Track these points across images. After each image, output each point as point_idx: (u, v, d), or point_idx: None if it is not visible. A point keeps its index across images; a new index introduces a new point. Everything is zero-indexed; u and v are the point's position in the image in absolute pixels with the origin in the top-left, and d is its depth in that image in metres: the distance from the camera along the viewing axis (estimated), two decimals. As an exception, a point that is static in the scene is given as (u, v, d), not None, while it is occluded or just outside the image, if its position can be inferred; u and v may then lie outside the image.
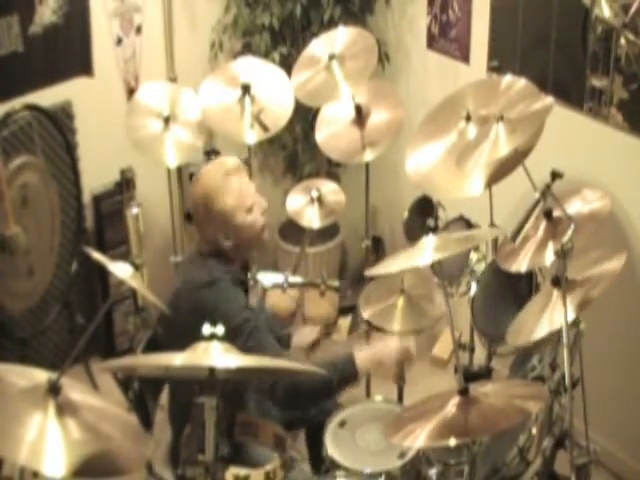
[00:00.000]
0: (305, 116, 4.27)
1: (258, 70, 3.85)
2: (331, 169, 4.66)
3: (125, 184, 4.38)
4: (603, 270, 2.76)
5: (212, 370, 2.24)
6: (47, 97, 4.07)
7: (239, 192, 3.01)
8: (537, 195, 2.86)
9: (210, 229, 3.02)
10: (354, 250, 4.95)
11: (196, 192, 3.04)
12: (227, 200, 2.98)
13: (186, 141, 3.86)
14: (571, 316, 2.62)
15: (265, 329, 3.01)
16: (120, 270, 2.32)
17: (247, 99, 3.71)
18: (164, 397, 3.24)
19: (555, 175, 3.01)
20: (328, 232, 4.71)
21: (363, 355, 2.98)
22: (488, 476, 2.87)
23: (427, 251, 2.51)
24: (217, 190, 2.98)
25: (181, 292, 3.01)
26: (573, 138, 3.77)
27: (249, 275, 3.56)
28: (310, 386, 2.87)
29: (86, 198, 4.38)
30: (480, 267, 3.54)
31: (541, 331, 2.69)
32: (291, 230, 4.59)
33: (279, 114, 3.76)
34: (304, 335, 3.58)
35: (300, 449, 3.46)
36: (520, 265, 2.90)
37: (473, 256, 3.56)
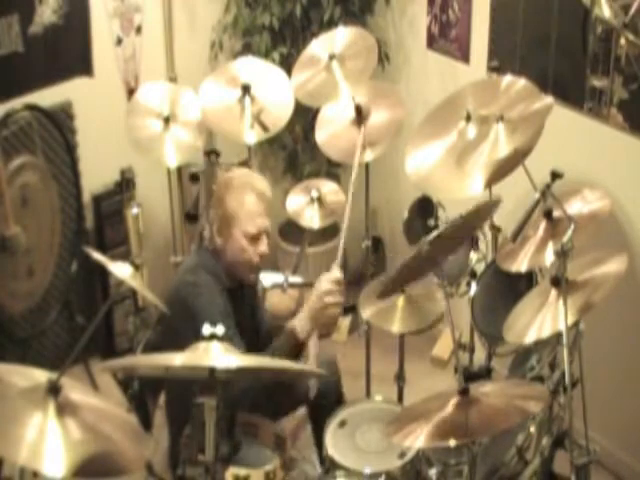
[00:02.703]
0: (305, 116, 4.27)
1: (258, 70, 3.85)
2: (331, 169, 4.66)
3: (125, 184, 4.38)
4: (604, 273, 2.76)
5: (212, 370, 2.24)
6: (47, 97, 4.07)
7: (249, 212, 3.04)
8: (537, 195, 2.86)
9: (212, 214, 3.06)
10: (354, 250, 4.94)
11: (220, 181, 3.13)
12: (238, 211, 3.02)
13: (186, 141, 3.86)
14: (572, 319, 2.62)
15: (237, 339, 3.00)
16: (120, 270, 2.32)
17: (247, 99, 3.71)
18: (164, 397, 3.24)
19: (555, 175, 3.01)
20: (328, 232, 4.71)
21: (299, 319, 2.98)
22: (487, 476, 2.87)
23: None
24: (234, 198, 3.03)
25: (171, 289, 3.04)
26: (573, 138, 3.77)
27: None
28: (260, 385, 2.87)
29: (86, 198, 4.38)
30: (480, 267, 3.54)
31: (541, 332, 2.68)
32: (291, 230, 4.59)
33: (279, 114, 3.76)
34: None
35: (300, 449, 3.47)
36: (520, 265, 2.90)
37: (473, 256, 3.56)
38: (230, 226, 3.04)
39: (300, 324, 2.96)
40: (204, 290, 2.99)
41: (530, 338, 2.72)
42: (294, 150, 4.71)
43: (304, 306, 3.05)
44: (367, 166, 3.78)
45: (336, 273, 3.02)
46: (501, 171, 3.07)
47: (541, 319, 2.71)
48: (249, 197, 3.04)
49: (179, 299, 2.96)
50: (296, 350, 2.95)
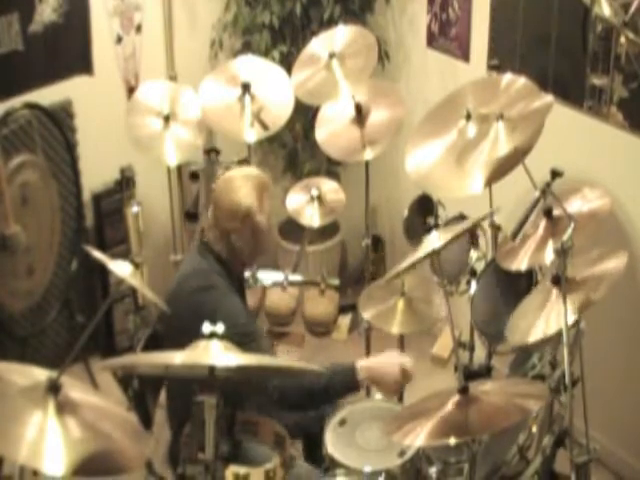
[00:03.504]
0: (305, 115, 4.27)
1: (258, 69, 3.85)
2: (331, 168, 4.66)
3: (125, 182, 4.39)
4: (604, 270, 2.75)
5: (212, 369, 2.24)
6: (47, 96, 4.07)
7: (269, 213, 3.06)
8: (537, 193, 2.86)
9: (236, 235, 3.02)
10: (354, 249, 4.95)
11: (236, 202, 3.01)
12: (264, 219, 3.03)
13: (186, 140, 3.86)
14: (572, 317, 2.62)
15: (260, 336, 3.01)
16: (120, 268, 2.32)
17: (247, 98, 3.71)
18: (164, 395, 3.24)
19: (555, 174, 3.00)
20: (328, 231, 4.71)
21: (365, 366, 2.96)
22: (488, 474, 2.87)
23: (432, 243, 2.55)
24: (257, 206, 3.01)
25: (178, 294, 3.01)
26: (573, 137, 3.77)
27: (248, 274, 3.57)
28: (307, 388, 2.88)
29: (86, 197, 4.38)
30: (480, 265, 3.54)
31: (542, 331, 2.68)
32: (291, 229, 4.59)
33: (279, 113, 3.76)
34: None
35: (300, 448, 3.46)
36: (520, 263, 2.90)
37: (473, 254, 3.56)
38: (263, 235, 3.05)
39: (363, 373, 2.93)
40: (223, 292, 2.99)
41: (533, 338, 2.72)
42: (294, 148, 4.71)
43: (377, 360, 3.03)
44: (367, 165, 3.78)
45: (409, 365, 3.00)
46: (501, 170, 3.07)
47: (543, 318, 2.70)
48: (266, 203, 3.04)
49: (196, 303, 2.93)
50: (350, 390, 2.95)
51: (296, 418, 3.18)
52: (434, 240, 2.61)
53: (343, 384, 2.92)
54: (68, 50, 4.13)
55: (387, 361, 3.00)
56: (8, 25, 3.89)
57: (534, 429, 2.91)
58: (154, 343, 3.14)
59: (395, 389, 3.02)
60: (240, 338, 2.78)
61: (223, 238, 3.04)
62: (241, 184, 3.03)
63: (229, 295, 3.00)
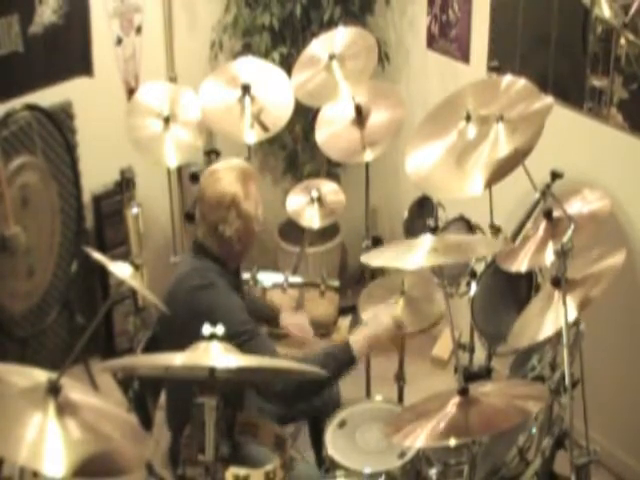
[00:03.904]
0: (305, 116, 4.27)
1: (258, 70, 3.85)
2: (331, 169, 4.66)
3: (125, 184, 4.38)
4: (603, 267, 2.76)
5: (212, 370, 2.24)
6: (47, 97, 4.07)
7: (256, 201, 3.05)
8: (537, 195, 2.86)
9: (223, 225, 3.01)
10: (354, 250, 4.95)
11: (220, 191, 3.01)
12: (251, 205, 3.02)
13: (186, 141, 3.86)
14: (572, 316, 2.62)
15: (261, 332, 3.01)
16: (120, 270, 2.32)
17: (247, 99, 3.71)
18: (164, 397, 3.24)
19: (555, 175, 3.01)
20: (328, 232, 4.71)
21: (358, 338, 2.98)
22: (488, 476, 2.87)
23: (423, 253, 2.52)
24: (243, 193, 3.01)
25: (176, 294, 3.00)
26: (573, 138, 3.77)
27: (248, 276, 3.57)
28: (308, 379, 2.88)
29: (86, 198, 4.38)
30: (480, 267, 3.54)
31: (544, 332, 2.68)
32: (291, 230, 4.59)
33: (279, 114, 3.76)
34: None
35: (300, 449, 3.46)
36: (520, 265, 2.90)
37: (473, 256, 3.56)
38: (250, 226, 3.04)
39: (357, 345, 2.96)
40: (221, 290, 2.99)
41: (534, 340, 2.72)
42: (294, 150, 4.71)
43: (364, 328, 3.05)
44: (367, 166, 3.78)
45: (398, 312, 3.02)
46: (501, 171, 3.07)
47: (544, 320, 2.71)
48: (252, 190, 3.04)
49: (194, 302, 2.93)
50: (348, 365, 2.96)
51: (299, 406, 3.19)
52: (427, 245, 2.59)
53: (343, 365, 2.94)
54: (68, 51, 4.13)
55: (375, 326, 3.04)
56: (8, 26, 3.89)
57: (534, 430, 2.91)
58: (154, 345, 3.14)
59: (395, 343, 3.04)
60: (241, 335, 2.79)
61: (212, 231, 3.03)
62: (224, 175, 3.04)
63: (227, 293, 3.00)
